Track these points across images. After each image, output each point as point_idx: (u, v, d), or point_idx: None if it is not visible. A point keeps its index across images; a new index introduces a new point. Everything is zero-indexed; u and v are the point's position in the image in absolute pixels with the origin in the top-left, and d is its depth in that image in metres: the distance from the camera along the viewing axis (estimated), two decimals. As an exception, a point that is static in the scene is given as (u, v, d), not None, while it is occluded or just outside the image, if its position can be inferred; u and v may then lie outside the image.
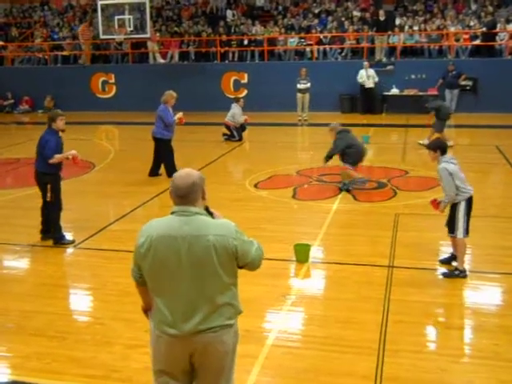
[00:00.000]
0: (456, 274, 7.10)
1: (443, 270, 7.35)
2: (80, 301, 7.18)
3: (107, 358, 5.51)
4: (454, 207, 7.16)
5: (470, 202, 7.14)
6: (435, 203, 7.42)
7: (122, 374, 5.11)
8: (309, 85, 20.12)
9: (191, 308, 3.50)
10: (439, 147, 7.18)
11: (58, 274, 7.88)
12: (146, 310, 3.93)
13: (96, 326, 6.21)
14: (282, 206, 10.59)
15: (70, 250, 8.63)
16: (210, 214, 3.72)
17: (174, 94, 12.63)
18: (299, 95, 20.34)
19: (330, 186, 11.73)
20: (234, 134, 17.35)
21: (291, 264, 7.76)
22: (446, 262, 7.55)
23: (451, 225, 7.20)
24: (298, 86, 20.18)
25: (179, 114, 12.63)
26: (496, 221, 9.38)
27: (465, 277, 7.09)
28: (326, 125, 19.95)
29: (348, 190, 11.19)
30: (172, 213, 3.58)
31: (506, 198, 10.88)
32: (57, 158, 8.43)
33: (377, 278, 7.19)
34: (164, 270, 3.50)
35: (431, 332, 6.07)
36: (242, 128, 17.58)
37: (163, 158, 12.66)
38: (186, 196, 3.51)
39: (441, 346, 5.71)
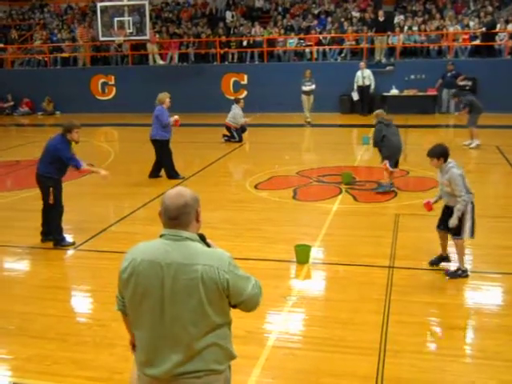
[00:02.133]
0: (459, 273, 7.08)
1: (445, 270, 7.34)
2: (80, 303, 7.18)
3: (108, 359, 5.51)
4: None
5: (473, 203, 7.12)
6: (429, 205, 7.37)
7: (123, 375, 5.10)
8: (313, 86, 20.08)
9: (171, 346, 3.07)
10: (443, 154, 7.02)
11: (58, 275, 7.88)
12: (134, 345, 3.37)
13: (97, 328, 6.21)
14: (283, 206, 10.58)
15: (70, 251, 8.63)
16: (206, 244, 3.25)
17: (168, 94, 12.69)
18: (304, 97, 20.29)
19: (330, 186, 11.72)
20: (234, 135, 17.35)
21: (292, 265, 7.75)
22: (435, 263, 7.51)
23: (455, 228, 7.03)
24: (303, 87, 20.12)
25: (175, 117, 12.64)
26: (497, 221, 9.37)
27: (467, 276, 7.09)
28: (326, 126, 20.09)
29: (387, 191, 11.06)
30: (161, 236, 3.18)
31: (507, 198, 10.88)
32: (88, 169, 8.85)
33: (377, 279, 7.18)
34: (145, 300, 3.09)
35: (432, 332, 6.06)
36: (242, 129, 17.58)
37: (162, 160, 12.67)
38: (177, 218, 3.10)
39: (442, 347, 5.70)
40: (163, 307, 3.06)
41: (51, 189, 8.48)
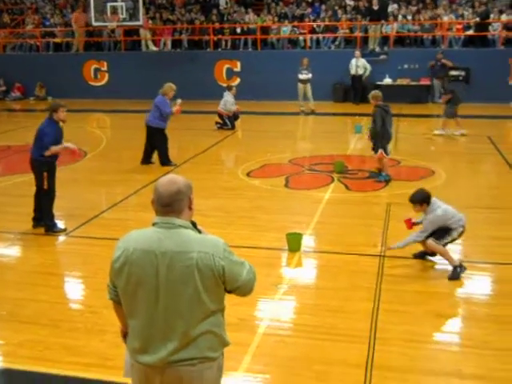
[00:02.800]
0: (458, 272, 6.92)
1: (433, 259, 7.38)
2: (72, 289, 7.20)
3: (100, 345, 5.53)
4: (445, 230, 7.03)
5: (462, 232, 7.10)
6: (409, 223, 7.35)
7: (114, 361, 5.12)
8: (310, 75, 20.00)
9: (165, 334, 3.06)
10: (425, 199, 7.02)
11: (49, 262, 7.89)
12: (126, 334, 3.38)
13: (88, 315, 6.23)
14: (275, 195, 10.60)
15: (61, 237, 8.62)
16: (198, 230, 3.24)
17: (174, 87, 12.59)
18: (300, 85, 20.19)
19: (322, 175, 11.74)
20: (227, 122, 17.33)
21: (283, 253, 7.78)
22: (419, 257, 7.47)
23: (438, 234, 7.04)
24: (300, 76, 20.02)
25: (178, 102, 12.61)
26: (488, 211, 9.43)
27: (465, 269, 6.93)
28: (319, 114, 20.09)
29: (388, 181, 11.12)
30: (153, 224, 3.14)
31: (498, 189, 10.92)
32: (52, 150, 8.41)
33: (368, 268, 7.22)
34: (139, 289, 3.07)
35: (422, 321, 6.10)
36: (234, 117, 17.55)
37: (157, 146, 12.66)
38: (170, 205, 3.07)
39: (431, 335, 5.75)
40: (158, 296, 3.05)
41: (45, 173, 8.45)
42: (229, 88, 17.87)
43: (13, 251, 8.42)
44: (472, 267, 7.15)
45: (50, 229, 8.68)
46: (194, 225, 3.22)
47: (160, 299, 3.05)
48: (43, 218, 8.74)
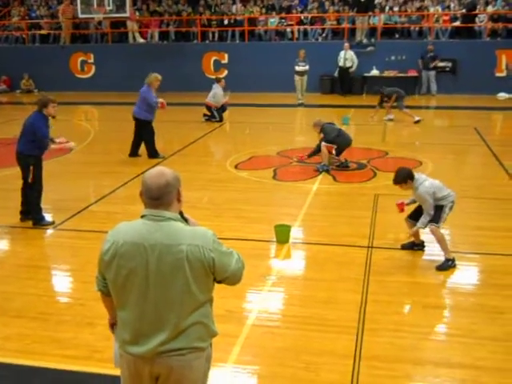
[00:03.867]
0: (449, 264, 6.95)
1: (421, 248, 7.44)
2: (60, 282, 7.17)
3: (89, 338, 5.52)
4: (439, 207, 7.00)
5: (452, 206, 7.07)
6: (401, 206, 7.36)
7: (103, 354, 5.12)
8: (307, 67, 19.99)
9: (156, 326, 3.10)
10: (407, 176, 7.00)
11: (37, 255, 7.86)
12: (113, 324, 3.46)
13: (77, 307, 6.22)
14: (263, 186, 10.61)
15: (49, 231, 8.59)
16: (185, 220, 3.28)
17: (159, 77, 12.51)
18: (297, 78, 20.19)
19: (311, 167, 11.76)
20: (215, 114, 17.29)
21: (272, 245, 7.80)
22: (407, 247, 7.50)
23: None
24: (297, 68, 19.99)
25: (160, 100, 12.55)
26: (474, 202, 9.48)
27: (455, 266, 6.97)
28: (307, 106, 20.09)
29: (327, 171, 11.29)
30: (142, 216, 3.16)
31: (485, 179, 10.99)
32: (54, 147, 8.41)
33: (356, 259, 7.25)
34: (129, 281, 3.09)
35: (409, 311, 6.16)
36: (222, 109, 17.53)
37: (144, 139, 12.63)
38: (159, 199, 3.09)
39: (418, 325, 5.78)
40: (148, 288, 3.07)
41: (31, 167, 8.40)
42: (217, 80, 17.82)
43: (0, 245, 8.38)
44: (459, 257, 7.19)
45: (38, 222, 8.65)
46: (180, 214, 3.24)
47: (150, 291, 3.07)
48: (31, 211, 8.70)
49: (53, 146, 8.46)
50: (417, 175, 7.07)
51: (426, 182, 7.00)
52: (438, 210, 6.99)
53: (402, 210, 7.40)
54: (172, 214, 3.13)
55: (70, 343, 5.47)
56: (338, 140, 11.47)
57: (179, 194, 3.19)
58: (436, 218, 6.96)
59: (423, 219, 7.00)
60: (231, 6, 25.25)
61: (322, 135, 11.58)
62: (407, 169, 7.18)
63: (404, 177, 7.02)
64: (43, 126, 8.30)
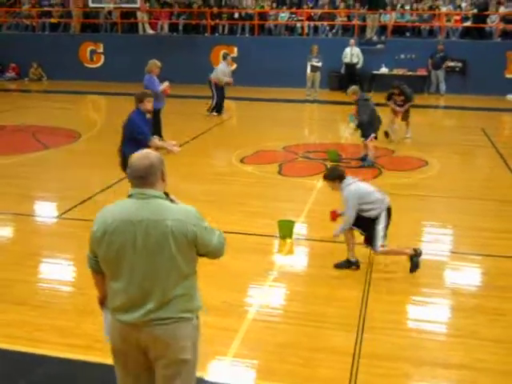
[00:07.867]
0: (415, 261, 6.77)
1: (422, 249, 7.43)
2: (63, 271, 7.18)
3: (90, 328, 5.55)
4: (372, 222, 6.76)
5: (388, 212, 6.84)
6: (334, 214, 7.20)
7: (104, 344, 5.13)
8: (320, 63, 19.90)
9: (144, 295, 3.31)
10: (336, 177, 6.87)
11: (41, 243, 7.90)
12: (102, 302, 3.75)
13: (79, 297, 6.24)
14: (268, 181, 10.61)
15: (54, 219, 8.62)
16: (170, 200, 3.51)
17: (158, 63, 12.32)
18: (309, 73, 20.09)
19: (316, 162, 11.75)
20: (214, 92, 16.67)
21: (275, 240, 7.81)
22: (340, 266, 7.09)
23: (370, 240, 6.85)
24: (310, 63, 19.92)
25: (165, 84, 12.45)
26: (479, 203, 9.47)
27: (419, 255, 6.82)
28: (315, 102, 20.06)
29: (373, 164, 11.56)
30: (129, 196, 3.42)
31: (491, 181, 10.96)
32: (159, 144, 7.98)
33: (359, 256, 7.25)
34: (120, 255, 3.31)
35: (410, 310, 6.17)
36: (222, 95, 16.88)
37: (153, 128, 12.55)
38: (144, 178, 3.33)
39: (419, 324, 5.79)
40: (137, 260, 3.30)
41: None
42: (224, 56, 17.27)
43: (5, 232, 8.42)
44: (462, 259, 7.20)
45: None
46: (166, 195, 3.48)
47: (138, 263, 3.31)
48: None
49: (158, 143, 8.05)
50: (347, 179, 6.88)
51: (353, 185, 6.79)
52: (371, 227, 6.74)
53: (333, 219, 7.24)
54: (157, 193, 3.38)
55: (72, 332, 5.51)
56: (371, 120, 11.47)
57: (163, 174, 3.43)
58: (376, 240, 6.71)
59: (343, 225, 6.89)
60: (242, 0, 25.19)
61: (355, 107, 11.65)
62: (340, 170, 7.09)
63: (334, 176, 6.92)
64: (141, 123, 8.00)
